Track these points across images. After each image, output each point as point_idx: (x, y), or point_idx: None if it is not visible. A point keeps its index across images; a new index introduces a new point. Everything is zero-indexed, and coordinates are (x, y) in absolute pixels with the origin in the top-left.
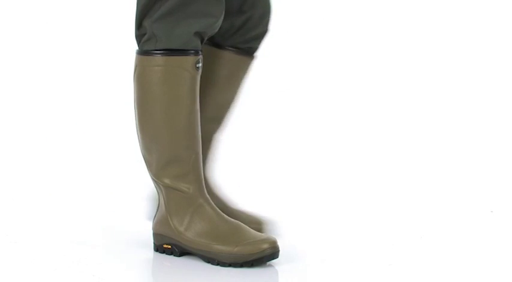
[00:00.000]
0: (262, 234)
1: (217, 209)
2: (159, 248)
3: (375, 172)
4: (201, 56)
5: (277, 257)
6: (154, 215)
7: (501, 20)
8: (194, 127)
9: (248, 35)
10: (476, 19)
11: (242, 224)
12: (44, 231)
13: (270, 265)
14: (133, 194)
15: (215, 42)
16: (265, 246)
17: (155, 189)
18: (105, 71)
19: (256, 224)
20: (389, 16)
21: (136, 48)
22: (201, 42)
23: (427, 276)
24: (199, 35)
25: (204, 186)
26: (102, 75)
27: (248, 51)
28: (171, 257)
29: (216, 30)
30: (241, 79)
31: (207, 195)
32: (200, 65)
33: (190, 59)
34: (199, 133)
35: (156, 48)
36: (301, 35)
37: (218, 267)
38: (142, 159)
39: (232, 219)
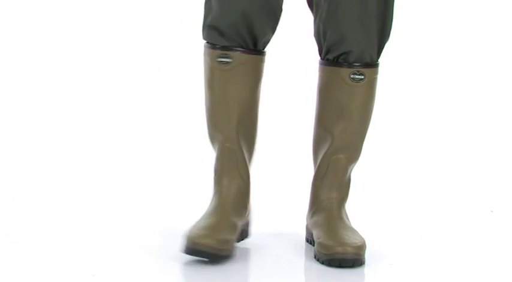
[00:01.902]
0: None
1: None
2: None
3: (374, 172)
4: (223, 52)
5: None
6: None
7: (501, 20)
8: (216, 116)
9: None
10: (477, 19)
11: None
12: (44, 231)
13: (270, 265)
14: (133, 194)
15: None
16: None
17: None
18: (104, 72)
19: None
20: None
21: None
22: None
23: (427, 276)
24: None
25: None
26: (102, 75)
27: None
28: (171, 257)
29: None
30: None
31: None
32: (222, 60)
33: (215, 52)
34: (226, 124)
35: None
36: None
37: (221, 268)
38: None
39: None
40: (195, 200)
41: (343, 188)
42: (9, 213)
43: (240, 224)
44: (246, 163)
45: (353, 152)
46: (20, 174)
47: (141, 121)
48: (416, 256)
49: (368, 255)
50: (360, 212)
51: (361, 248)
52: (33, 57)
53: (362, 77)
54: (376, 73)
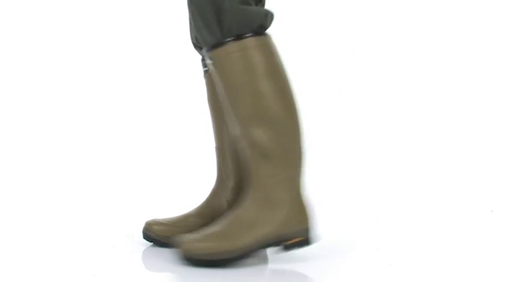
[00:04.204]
0: None
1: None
2: None
3: (375, 172)
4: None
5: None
6: None
7: (501, 20)
8: (212, 118)
9: None
10: (477, 19)
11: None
12: (44, 231)
13: (269, 265)
14: (133, 194)
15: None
16: None
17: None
18: (104, 72)
19: None
20: (389, 16)
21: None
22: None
23: (427, 276)
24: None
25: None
26: (102, 75)
27: None
28: (171, 257)
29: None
30: None
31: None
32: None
33: None
34: (219, 126)
35: None
36: (301, 37)
37: (220, 267)
38: None
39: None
40: (195, 200)
41: (256, 186)
42: (9, 213)
43: None
44: None
45: (248, 141)
46: (20, 174)
47: (140, 121)
48: (416, 256)
49: (368, 255)
50: (360, 212)
51: (186, 248)
52: (32, 58)
53: (211, 61)
54: (224, 53)
